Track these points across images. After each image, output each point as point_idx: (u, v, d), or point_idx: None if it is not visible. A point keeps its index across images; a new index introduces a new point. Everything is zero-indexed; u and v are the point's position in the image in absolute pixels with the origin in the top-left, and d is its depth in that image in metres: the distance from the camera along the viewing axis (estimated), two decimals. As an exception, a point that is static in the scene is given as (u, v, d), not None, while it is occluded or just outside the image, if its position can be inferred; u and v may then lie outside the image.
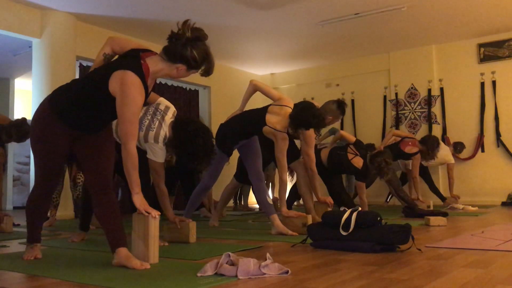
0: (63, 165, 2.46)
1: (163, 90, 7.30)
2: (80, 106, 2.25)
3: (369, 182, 6.12)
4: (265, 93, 3.79)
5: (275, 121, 3.58)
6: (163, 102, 3.17)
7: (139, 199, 2.23)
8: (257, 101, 4.59)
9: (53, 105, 2.29)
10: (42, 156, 2.34)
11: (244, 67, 8.66)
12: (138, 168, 2.33)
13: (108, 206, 2.29)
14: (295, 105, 3.70)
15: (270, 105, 3.72)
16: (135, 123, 2.18)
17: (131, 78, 2.14)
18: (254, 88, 3.83)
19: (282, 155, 3.60)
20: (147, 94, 2.27)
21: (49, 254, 2.69)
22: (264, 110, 3.69)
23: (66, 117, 2.27)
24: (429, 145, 5.91)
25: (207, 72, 2.33)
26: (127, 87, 2.13)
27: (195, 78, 7.73)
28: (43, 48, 5.67)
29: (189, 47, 2.23)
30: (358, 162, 4.86)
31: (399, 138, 6.18)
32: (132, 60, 2.23)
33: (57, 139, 2.30)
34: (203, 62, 2.26)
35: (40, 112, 2.33)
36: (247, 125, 3.76)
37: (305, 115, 3.53)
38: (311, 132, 4.01)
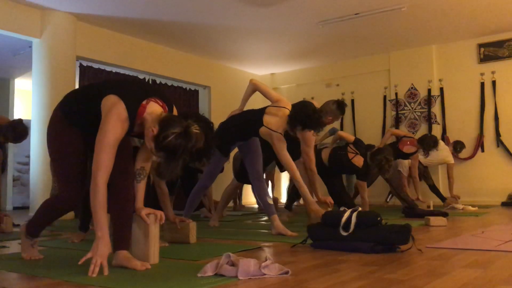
0: (84, 170, 2.37)
1: (163, 90, 7.31)
2: (87, 113, 2.23)
3: (370, 181, 6.13)
4: (264, 93, 3.79)
5: (273, 121, 3.56)
6: None
7: (102, 245, 2.03)
8: (257, 101, 4.60)
9: (64, 111, 2.30)
10: (63, 161, 2.30)
11: (244, 67, 8.66)
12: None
13: (122, 202, 2.26)
14: (293, 105, 3.70)
15: (268, 106, 3.71)
16: (110, 154, 2.05)
17: (120, 110, 2.08)
18: (253, 87, 3.83)
19: (284, 155, 3.51)
20: (130, 133, 2.18)
21: (49, 254, 2.69)
22: (261, 111, 3.68)
23: (76, 121, 2.27)
24: (425, 145, 5.90)
25: (159, 168, 2.13)
26: (110, 116, 2.07)
27: (195, 78, 7.76)
28: (43, 48, 5.67)
29: (180, 128, 2.02)
30: (358, 161, 4.86)
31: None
32: (137, 95, 2.17)
33: (74, 143, 2.28)
34: (165, 148, 2.03)
35: (53, 118, 2.34)
36: (245, 125, 3.76)
37: (303, 114, 3.50)
38: (310, 133, 4.00)
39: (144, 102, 2.16)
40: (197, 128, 2.06)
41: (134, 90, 2.22)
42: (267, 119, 3.58)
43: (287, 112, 3.58)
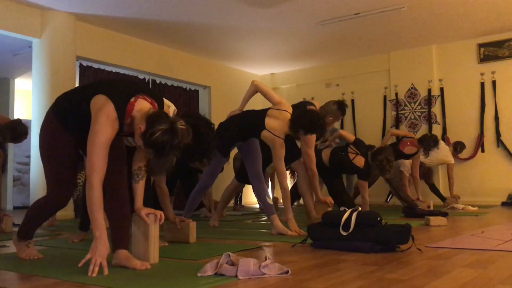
0: (74, 172, 2.41)
1: (163, 90, 7.31)
2: (77, 114, 2.24)
3: (371, 181, 6.13)
4: (265, 95, 3.78)
5: (275, 125, 3.55)
6: None
7: (101, 245, 2.03)
8: (257, 102, 4.59)
9: (56, 114, 2.31)
10: (52, 163, 2.32)
11: (244, 67, 8.66)
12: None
13: (118, 202, 2.27)
14: (294, 106, 3.70)
15: (269, 108, 3.70)
16: (102, 155, 2.06)
17: (109, 110, 2.08)
18: (255, 88, 3.82)
19: (280, 162, 3.57)
20: (120, 132, 2.18)
21: (49, 254, 2.69)
22: (263, 113, 3.67)
23: (68, 124, 2.28)
24: (425, 145, 5.91)
25: (149, 164, 2.16)
26: (100, 116, 2.07)
27: (195, 78, 7.76)
28: (43, 48, 5.66)
29: (166, 125, 2.04)
30: (360, 161, 4.85)
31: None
32: (125, 93, 2.17)
33: (65, 145, 2.30)
34: (153, 145, 2.04)
35: (46, 121, 2.35)
36: (246, 127, 3.76)
37: (306, 120, 3.51)
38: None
39: (132, 100, 2.17)
40: (183, 123, 2.09)
41: (122, 88, 2.23)
42: (269, 123, 3.57)
43: (289, 116, 3.58)
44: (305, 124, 3.50)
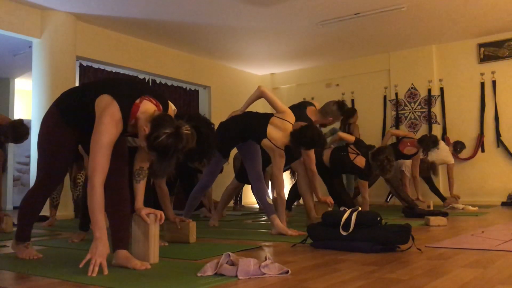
0: (67, 167, 2.43)
1: (163, 90, 7.31)
2: (81, 112, 2.24)
3: (372, 181, 6.12)
4: (270, 102, 3.76)
5: (276, 136, 3.55)
6: None
7: (101, 245, 2.03)
8: (258, 103, 4.58)
9: (60, 109, 2.31)
10: (48, 156, 2.33)
11: (244, 67, 8.66)
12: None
13: (118, 202, 2.27)
14: (294, 107, 3.70)
15: (272, 115, 3.69)
16: (105, 156, 2.04)
17: (113, 110, 2.07)
18: (259, 94, 3.80)
19: (279, 171, 3.59)
20: (123, 132, 2.17)
21: (49, 254, 2.69)
22: (266, 120, 3.65)
23: (71, 121, 2.28)
24: (424, 145, 5.91)
25: (152, 168, 2.17)
26: (104, 116, 2.06)
27: (195, 78, 7.75)
28: (43, 48, 5.67)
29: (171, 129, 2.03)
30: (360, 161, 4.85)
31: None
32: (130, 94, 2.17)
33: (64, 141, 2.30)
34: (157, 148, 2.03)
35: (48, 114, 2.35)
36: (247, 131, 3.76)
37: (308, 139, 3.52)
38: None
39: (137, 101, 2.16)
40: (188, 128, 2.08)
41: (128, 89, 2.22)
42: (271, 132, 3.56)
43: (291, 127, 3.59)
44: (306, 141, 3.54)
